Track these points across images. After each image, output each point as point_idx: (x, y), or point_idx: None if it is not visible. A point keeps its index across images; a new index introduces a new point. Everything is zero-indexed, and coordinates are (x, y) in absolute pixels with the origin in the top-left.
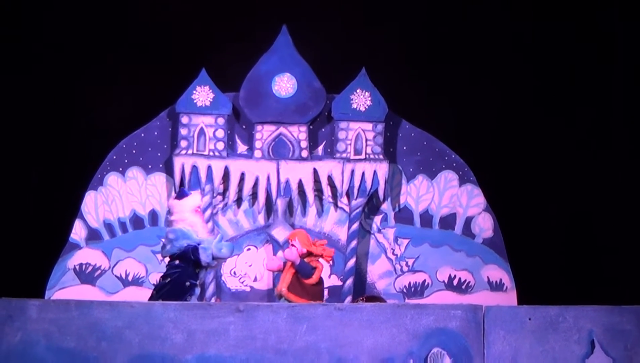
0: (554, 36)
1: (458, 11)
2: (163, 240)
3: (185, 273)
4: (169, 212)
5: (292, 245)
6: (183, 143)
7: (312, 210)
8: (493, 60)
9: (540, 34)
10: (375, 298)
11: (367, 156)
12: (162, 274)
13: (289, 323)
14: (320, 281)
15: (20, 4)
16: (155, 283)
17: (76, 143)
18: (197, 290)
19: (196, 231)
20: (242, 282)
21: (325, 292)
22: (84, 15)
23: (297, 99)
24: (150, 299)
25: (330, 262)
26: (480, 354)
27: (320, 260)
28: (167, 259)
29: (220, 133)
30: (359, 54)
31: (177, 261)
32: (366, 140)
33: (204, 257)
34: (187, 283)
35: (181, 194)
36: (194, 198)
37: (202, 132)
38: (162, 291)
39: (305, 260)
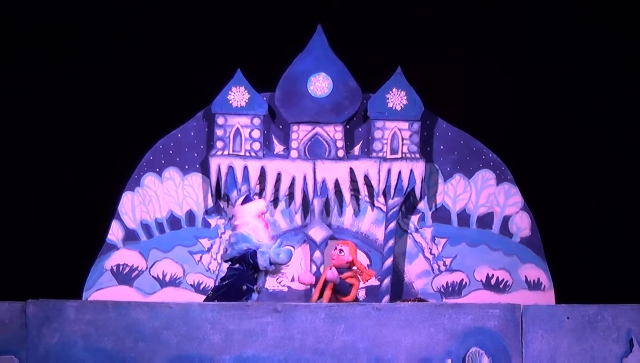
0: (595, 34)
1: (495, 8)
2: (225, 243)
3: (243, 277)
4: (233, 217)
5: (341, 250)
6: (219, 144)
7: (349, 210)
8: (531, 58)
9: (580, 31)
10: (421, 301)
11: (404, 155)
12: (221, 277)
13: (327, 323)
14: (357, 298)
15: (63, 6)
16: (211, 284)
17: (113, 143)
18: (255, 295)
19: (257, 236)
20: (280, 282)
21: (363, 292)
22: (118, 16)
23: (332, 99)
24: (205, 300)
25: (366, 282)
26: (518, 353)
27: (359, 278)
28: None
29: (256, 133)
30: (394, 52)
31: (236, 265)
32: (402, 139)
33: (262, 261)
34: (244, 287)
35: (246, 199)
36: (257, 204)
37: (238, 132)
38: (218, 293)
39: (344, 275)
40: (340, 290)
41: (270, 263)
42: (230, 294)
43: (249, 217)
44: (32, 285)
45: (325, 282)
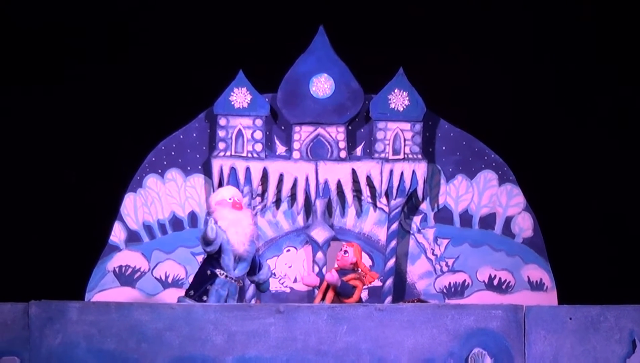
0: (595, 34)
1: (496, 8)
2: None
3: (207, 262)
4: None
5: (345, 251)
6: (221, 145)
7: (351, 211)
8: (533, 58)
9: (583, 32)
10: (421, 301)
11: (406, 156)
12: None
13: (330, 324)
14: (360, 300)
15: (63, 6)
16: None
17: (115, 144)
18: (220, 280)
19: (224, 223)
20: (282, 283)
21: (366, 293)
22: (119, 16)
23: (335, 100)
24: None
25: (369, 284)
26: (521, 354)
27: (363, 280)
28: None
29: (258, 135)
30: (396, 53)
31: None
32: (404, 140)
33: (200, 243)
34: (208, 272)
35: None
36: (216, 194)
37: (240, 133)
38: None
39: (347, 277)
40: (342, 292)
41: (206, 243)
42: (196, 279)
43: (212, 208)
44: (35, 286)
45: (328, 284)
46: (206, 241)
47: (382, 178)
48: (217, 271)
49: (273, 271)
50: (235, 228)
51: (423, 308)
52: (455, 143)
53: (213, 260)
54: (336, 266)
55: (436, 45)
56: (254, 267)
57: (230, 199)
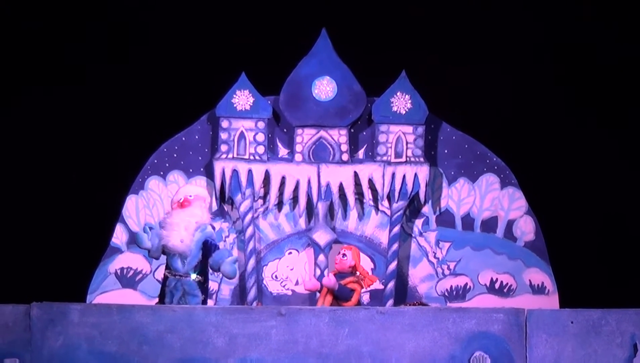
0: (597, 36)
1: (498, 11)
2: None
3: (165, 267)
4: None
5: (344, 255)
6: (223, 147)
7: (353, 214)
8: (535, 62)
9: (583, 32)
10: (422, 305)
11: (408, 159)
12: None
13: (331, 327)
14: (359, 303)
15: (63, 6)
16: None
17: (117, 147)
18: (171, 280)
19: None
20: (284, 286)
21: (367, 296)
22: (121, 17)
23: (337, 103)
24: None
25: (368, 288)
26: (522, 358)
27: (361, 283)
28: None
29: (261, 137)
30: (398, 56)
31: None
32: (407, 143)
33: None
34: (164, 275)
35: None
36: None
37: (242, 136)
38: None
39: (345, 281)
40: (340, 296)
41: (149, 254)
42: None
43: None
44: (36, 287)
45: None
46: (148, 252)
47: (384, 181)
48: (166, 272)
49: (231, 252)
50: (169, 230)
51: (424, 311)
52: (458, 146)
53: (167, 263)
54: (335, 269)
55: (439, 48)
56: (208, 252)
57: (178, 201)
